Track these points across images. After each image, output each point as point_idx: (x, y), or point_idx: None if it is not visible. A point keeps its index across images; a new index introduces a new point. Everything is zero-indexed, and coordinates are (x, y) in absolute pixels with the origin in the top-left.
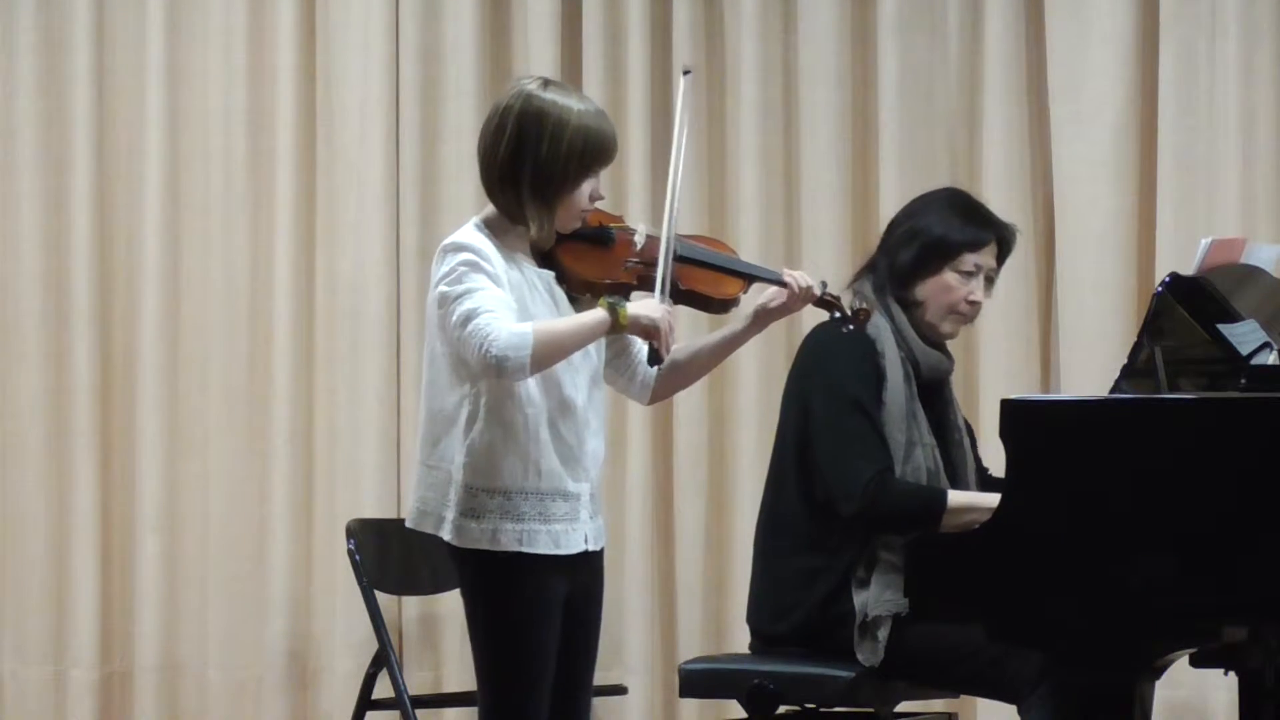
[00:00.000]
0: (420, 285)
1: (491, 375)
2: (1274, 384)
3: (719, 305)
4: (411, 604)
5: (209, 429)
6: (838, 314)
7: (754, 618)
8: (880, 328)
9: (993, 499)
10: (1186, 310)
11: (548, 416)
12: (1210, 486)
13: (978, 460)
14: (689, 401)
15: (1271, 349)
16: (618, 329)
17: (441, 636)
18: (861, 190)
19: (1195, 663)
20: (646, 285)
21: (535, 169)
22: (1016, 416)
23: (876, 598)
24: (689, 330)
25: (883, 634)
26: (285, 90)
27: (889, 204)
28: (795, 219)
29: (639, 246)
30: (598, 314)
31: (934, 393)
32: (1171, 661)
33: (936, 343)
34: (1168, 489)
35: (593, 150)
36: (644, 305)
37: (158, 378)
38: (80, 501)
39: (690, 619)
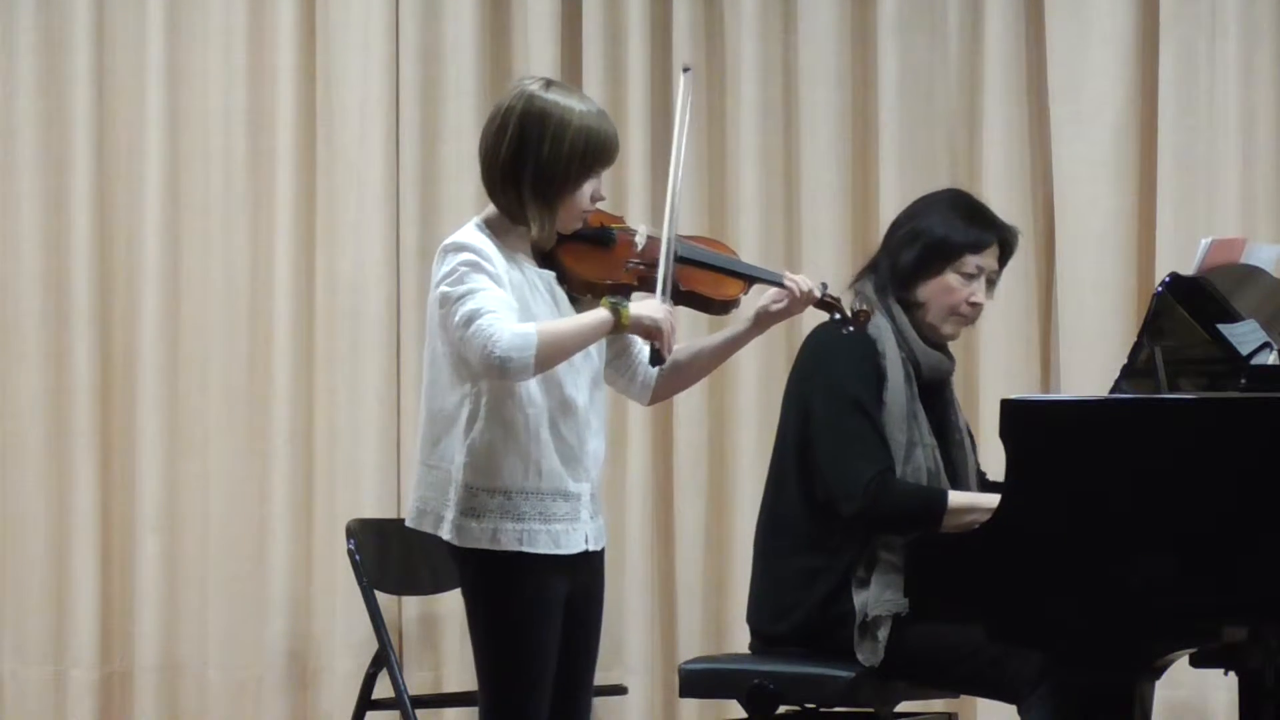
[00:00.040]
0: (420, 285)
1: (494, 376)
2: (1274, 384)
3: (719, 306)
4: (411, 604)
5: (209, 429)
6: (838, 315)
7: (754, 618)
8: (881, 328)
9: (993, 499)
10: (1186, 310)
11: (549, 416)
12: (1210, 486)
13: (976, 464)
14: (689, 401)
15: (1271, 349)
16: (620, 329)
17: (441, 636)
18: (861, 190)
19: (1195, 663)
20: (647, 286)
21: (537, 169)
22: (1016, 416)
23: (876, 598)
24: (689, 331)
25: (883, 634)
26: (285, 90)
27: (889, 204)
28: (795, 219)
29: (640, 247)
30: (600, 314)
31: (935, 393)
32: (1171, 661)
33: (937, 343)
34: (1168, 489)
35: (594, 151)
36: (646, 305)
37: (158, 378)
38: (80, 501)
39: (690, 619)
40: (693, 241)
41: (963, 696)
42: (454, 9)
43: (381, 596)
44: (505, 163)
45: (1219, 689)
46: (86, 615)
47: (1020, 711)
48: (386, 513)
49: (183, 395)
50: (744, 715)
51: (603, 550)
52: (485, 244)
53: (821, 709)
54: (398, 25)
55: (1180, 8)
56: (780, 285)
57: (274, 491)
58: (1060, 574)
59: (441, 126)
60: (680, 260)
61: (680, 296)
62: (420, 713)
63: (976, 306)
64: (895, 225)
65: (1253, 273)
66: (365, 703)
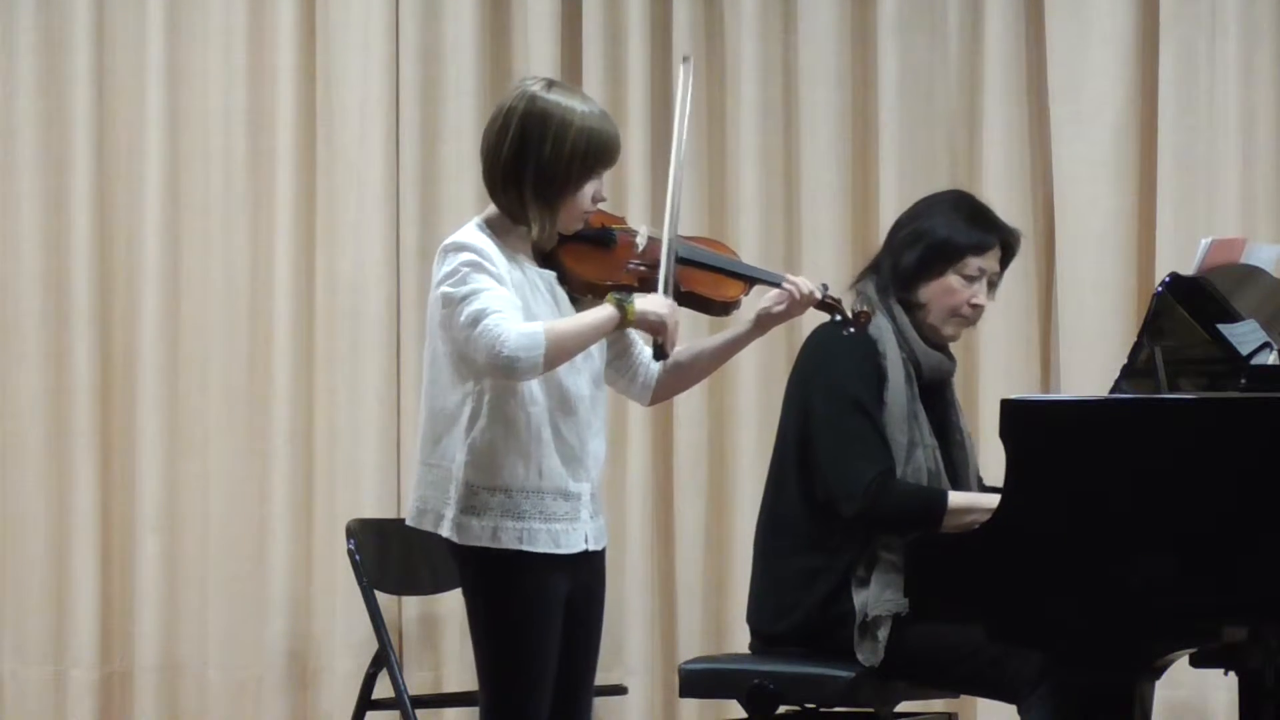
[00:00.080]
0: (420, 285)
1: (502, 376)
2: (1274, 384)
3: (720, 307)
4: (411, 604)
5: (209, 429)
6: (839, 316)
7: (754, 618)
8: (882, 328)
9: (993, 500)
10: (1186, 310)
11: (550, 416)
12: (1210, 486)
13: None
14: (689, 402)
15: (1271, 349)
16: (626, 324)
17: (441, 636)
18: (861, 190)
19: (1195, 663)
20: (648, 287)
21: (538, 170)
22: (1016, 416)
23: (876, 598)
24: (689, 332)
25: (883, 634)
26: (285, 90)
27: (889, 204)
28: (795, 219)
29: (641, 248)
30: (606, 310)
31: (935, 394)
32: (1171, 661)
33: (938, 344)
34: (1168, 489)
35: (595, 152)
36: (651, 301)
37: (158, 378)
38: (80, 501)
39: (690, 619)
40: (693, 242)
41: (963, 696)
42: (454, 9)
43: (381, 596)
44: (507, 163)
45: (1219, 689)
46: (86, 615)
47: (1020, 711)
48: (386, 513)
49: (183, 395)
50: (744, 715)
51: (603, 550)
52: (486, 244)
53: (821, 709)
54: (398, 25)
55: (1180, 8)
56: (781, 286)
57: (274, 491)
58: (1060, 574)
59: (441, 126)
60: (681, 261)
61: (681, 297)
62: (420, 713)
63: (978, 308)
64: (897, 226)
65: (1253, 273)
66: (365, 703)
